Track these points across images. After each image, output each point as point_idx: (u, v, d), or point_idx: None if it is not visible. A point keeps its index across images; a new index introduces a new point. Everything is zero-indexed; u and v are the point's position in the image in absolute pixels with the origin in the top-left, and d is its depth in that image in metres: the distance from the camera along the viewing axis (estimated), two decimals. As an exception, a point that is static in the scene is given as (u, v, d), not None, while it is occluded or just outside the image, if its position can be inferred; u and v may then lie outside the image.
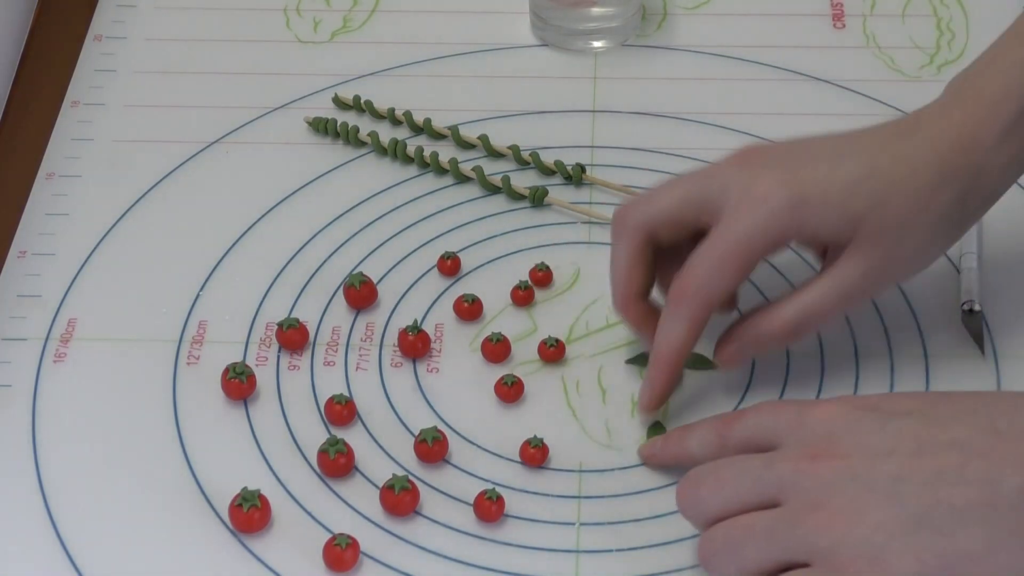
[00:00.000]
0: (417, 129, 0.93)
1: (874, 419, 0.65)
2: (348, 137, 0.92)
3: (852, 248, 0.73)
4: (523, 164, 0.91)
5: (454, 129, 0.92)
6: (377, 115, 0.94)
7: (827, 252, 0.75)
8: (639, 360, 0.80)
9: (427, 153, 0.91)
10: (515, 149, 0.91)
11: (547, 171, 0.90)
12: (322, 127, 0.93)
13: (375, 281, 0.84)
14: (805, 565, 0.63)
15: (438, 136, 0.93)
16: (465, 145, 0.92)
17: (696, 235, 0.75)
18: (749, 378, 0.79)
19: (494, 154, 0.91)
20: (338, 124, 0.93)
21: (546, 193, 0.88)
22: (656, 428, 0.77)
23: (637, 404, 0.77)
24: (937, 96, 0.76)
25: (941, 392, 0.73)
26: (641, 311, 0.77)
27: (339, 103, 0.95)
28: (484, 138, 0.91)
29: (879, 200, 0.72)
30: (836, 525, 0.63)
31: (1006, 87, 0.73)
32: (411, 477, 0.74)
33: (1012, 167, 0.74)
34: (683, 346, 0.74)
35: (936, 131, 0.73)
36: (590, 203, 0.89)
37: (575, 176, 0.89)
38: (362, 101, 0.94)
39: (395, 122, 0.94)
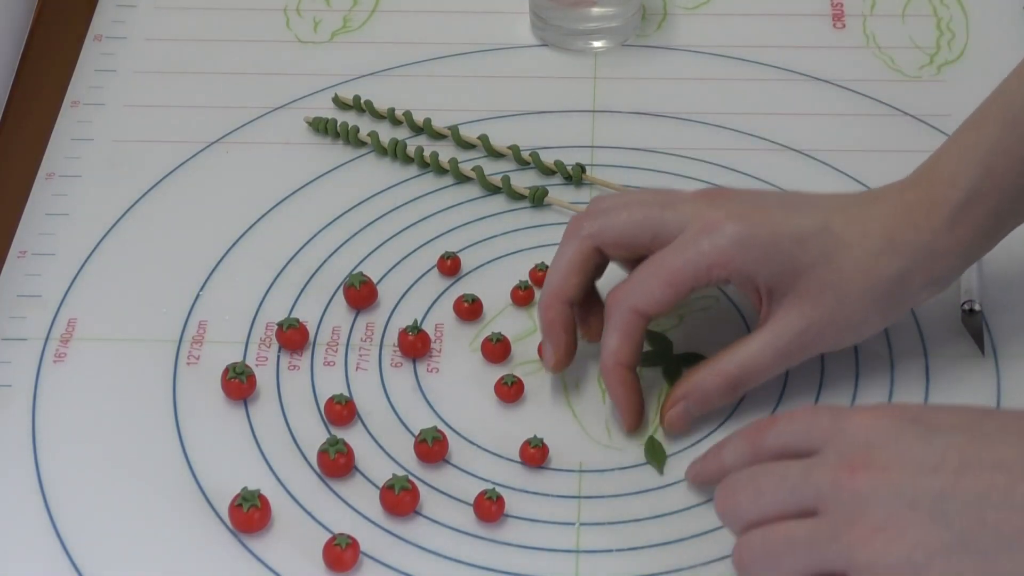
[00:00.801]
0: (417, 129, 0.93)
1: (917, 432, 0.64)
2: (348, 137, 0.92)
3: (791, 301, 0.74)
4: (523, 164, 0.91)
5: (454, 129, 0.92)
6: (377, 115, 0.94)
7: (763, 301, 0.75)
8: (645, 360, 0.80)
9: (427, 153, 0.91)
10: (515, 149, 0.91)
11: (547, 171, 0.90)
12: (322, 127, 0.93)
13: (375, 281, 0.84)
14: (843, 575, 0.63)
15: (438, 136, 0.93)
16: (465, 145, 0.92)
17: (641, 259, 0.76)
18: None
19: (494, 154, 0.91)
20: (338, 124, 0.93)
21: (546, 193, 0.88)
22: (651, 444, 0.77)
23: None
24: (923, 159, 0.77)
25: (986, 408, 0.72)
26: (559, 314, 0.77)
27: (339, 103, 0.95)
28: (484, 138, 0.91)
29: (826, 256, 0.73)
30: (876, 541, 0.62)
31: (955, 173, 0.74)
32: (411, 477, 0.74)
33: (962, 255, 0.75)
34: (618, 354, 0.75)
35: (891, 206, 0.74)
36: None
37: (575, 176, 0.89)
38: (362, 101, 0.94)
39: (395, 122, 0.94)
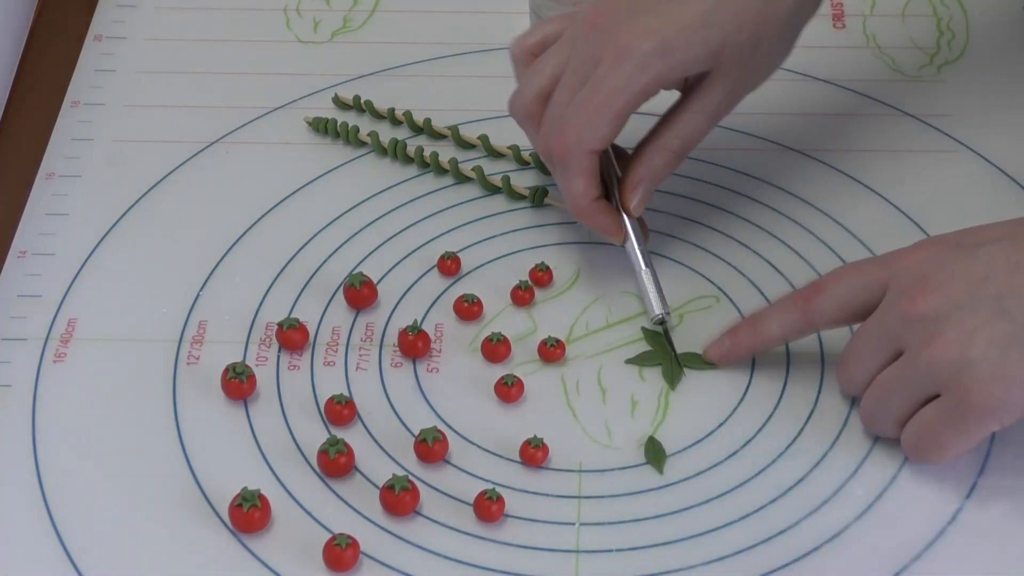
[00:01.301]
0: (417, 129, 0.93)
1: (962, 252, 0.71)
2: (348, 137, 0.92)
3: (714, 73, 0.78)
4: (523, 164, 0.91)
5: (454, 129, 0.92)
6: (377, 115, 0.94)
7: (686, 83, 0.80)
8: (639, 360, 0.80)
9: (427, 153, 0.91)
10: (515, 149, 0.91)
11: (547, 171, 0.90)
12: (322, 127, 0.93)
13: (375, 281, 0.84)
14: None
15: (438, 136, 0.93)
16: (465, 145, 0.92)
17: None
18: (749, 377, 0.79)
19: (494, 154, 0.91)
20: (338, 124, 0.93)
21: (546, 193, 0.88)
22: (651, 444, 0.77)
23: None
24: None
25: (1019, 218, 0.75)
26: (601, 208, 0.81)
27: (339, 103, 0.95)
28: (484, 138, 0.91)
29: (732, 23, 0.77)
30: (951, 352, 0.69)
31: None
32: (411, 477, 0.74)
33: None
34: (588, 193, 0.79)
35: None
36: (590, 203, 0.89)
37: None
38: (362, 101, 0.94)
39: (395, 122, 0.94)
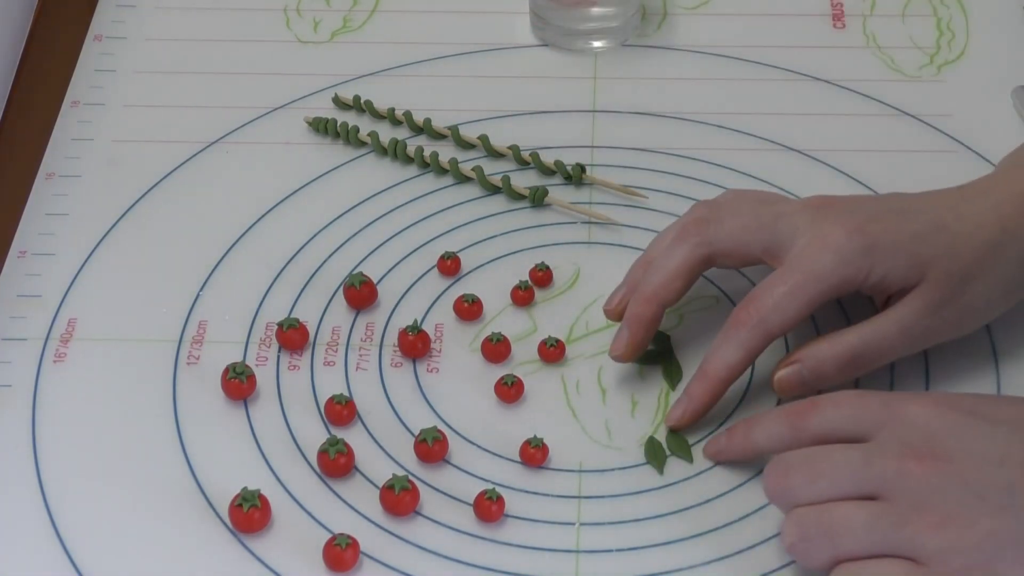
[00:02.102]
0: (417, 129, 0.93)
1: (978, 425, 0.67)
2: (348, 137, 0.92)
3: (918, 289, 0.74)
4: (523, 164, 0.91)
5: (454, 129, 0.92)
6: (377, 115, 0.94)
7: (889, 299, 0.76)
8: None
9: (427, 153, 0.91)
10: (515, 149, 0.91)
11: (547, 171, 0.90)
12: (322, 127, 0.93)
13: (375, 281, 0.84)
14: (906, 559, 0.65)
15: (438, 136, 0.93)
16: (465, 145, 0.92)
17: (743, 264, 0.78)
18: (749, 377, 0.79)
19: (494, 154, 0.91)
20: (338, 124, 0.93)
21: (546, 193, 0.88)
22: (651, 444, 0.77)
23: (668, 416, 0.77)
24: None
25: None
26: (652, 314, 0.77)
27: (339, 103, 0.95)
28: (484, 138, 0.91)
29: (947, 249, 0.74)
30: (947, 529, 0.64)
31: None
32: (411, 477, 0.74)
33: None
34: (735, 370, 0.75)
35: (999, 197, 0.76)
36: (590, 203, 0.89)
37: (575, 176, 0.89)
38: (362, 101, 0.94)
39: (395, 122, 0.94)
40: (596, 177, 0.90)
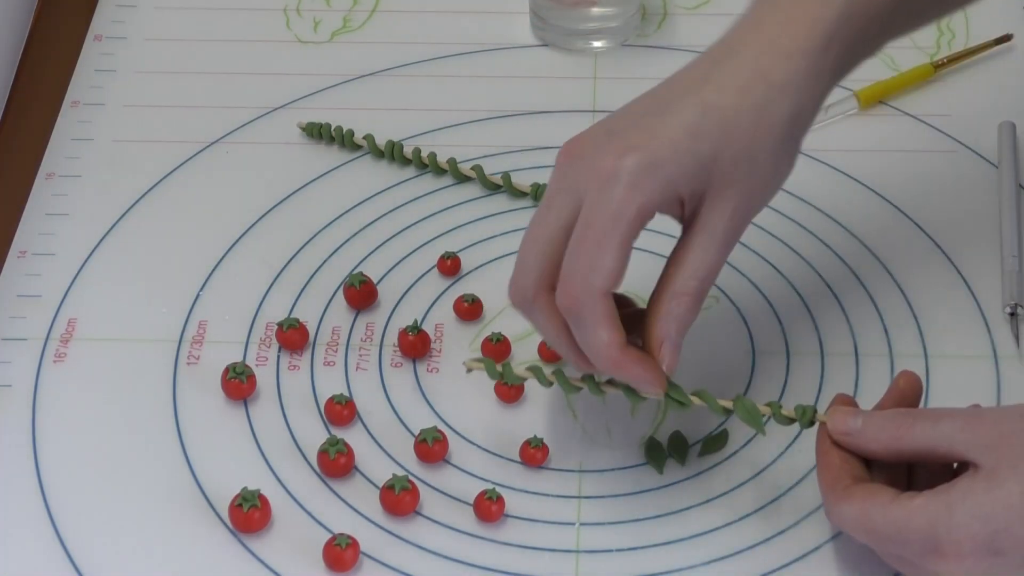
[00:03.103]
0: (404, 160, 0.91)
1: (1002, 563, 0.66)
2: (344, 141, 0.92)
3: (712, 193, 0.69)
4: (519, 195, 0.89)
5: (452, 162, 0.90)
6: (353, 145, 0.92)
7: (684, 209, 0.70)
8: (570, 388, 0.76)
9: (425, 154, 0.91)
10: (506, 178, 0.89)
11: (518, 194, 0.89)
12: (316, 132, 0.93)
13: (375, 281, 0.84)
14: None
15: (436, 168, 0.91)
16: (461, 178, 0.90)
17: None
18: (749, 378, 0.79)
19: (490, 187, 0.89)
20: (332, 128, 0.92)
21: (546, 193, 0.88)
22: (651, 444, 0.77)
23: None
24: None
25: None
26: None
27: (310, 130, 0.93)
28: (478, 168, 0.89)
29: (722, 130, 0.68)
30: None
31: None
32: (411, 477, 0.74)
33: (837, 73, 0.72)
34: (613, 345, 0.69)
35: (754, 48, 0.70)
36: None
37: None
38: (332, 130, 0.92)
39: (378, 154, 0.92)
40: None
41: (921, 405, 0.73)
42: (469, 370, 0.75)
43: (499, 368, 0.74)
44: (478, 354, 0.80)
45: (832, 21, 0.70)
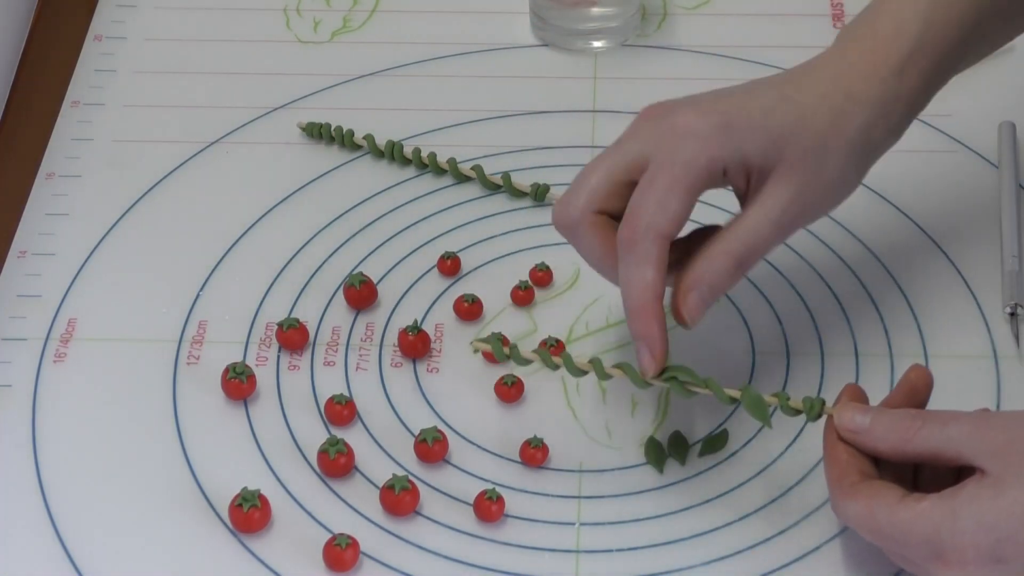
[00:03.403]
0: (404, 160, 0.91)
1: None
2: (344, 141, 0.92)
3: (778, 172, 0.73)
4: (519, 195, 0.89)
5: (452, 162, 0.91)
6: (354, 146, 0.92)
7: (749, 183, 0.74)
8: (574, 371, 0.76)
9: (425, 153, 0.91)
10: (506, 178, 0.89)
11: (518, 194, 0.89)
12: (316, 132, 0.93)
13: (375, 281, 0.84)
14: None
15: (426, 167, 0.91)
16: (462, 178, 0.90)
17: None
18: (750, 378, 0.79)
19: (491, 187, 0.90)
20: (332, 128, 0.92)
21: (547, 190, 0.88)
22: (651, 444, 0.77)
23: (641, 372, 0.72)
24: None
25: None
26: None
27: (310, 130, 0.93)
28: (478, 169, 0.89)
29: (798, 118, 0.73)
30: None
31: (898, 26, 0.75)
32: (411, 477, 0.74)
33: (912, 100, 0.76)
34: (654, 287, 0.71)
35: (836, 69, 0.75)
36: (590, 203, 0.88)
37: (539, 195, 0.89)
38: (332, 129, 0.92)
39: (378, 154, 0.92)
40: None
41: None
42: (476, 350, 0.76)
43: (506, 350, 0.75)
44: (478, 354, 0.80)
45: (907, 50, 0.75)
